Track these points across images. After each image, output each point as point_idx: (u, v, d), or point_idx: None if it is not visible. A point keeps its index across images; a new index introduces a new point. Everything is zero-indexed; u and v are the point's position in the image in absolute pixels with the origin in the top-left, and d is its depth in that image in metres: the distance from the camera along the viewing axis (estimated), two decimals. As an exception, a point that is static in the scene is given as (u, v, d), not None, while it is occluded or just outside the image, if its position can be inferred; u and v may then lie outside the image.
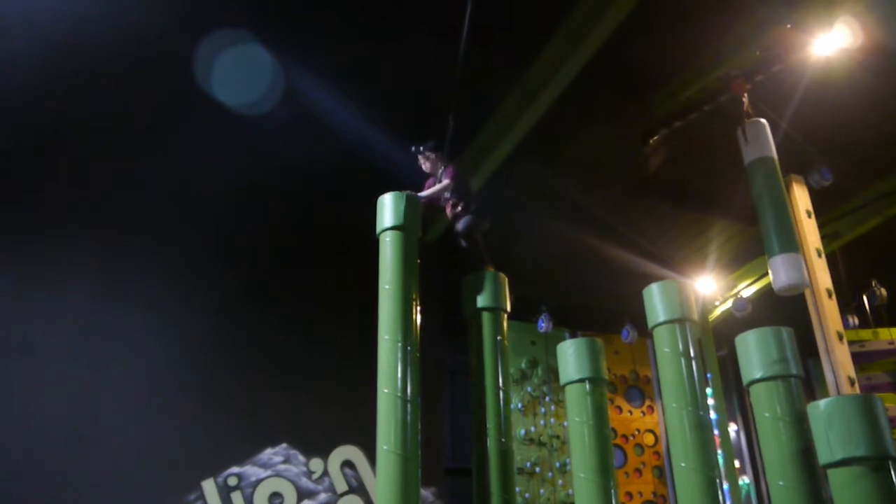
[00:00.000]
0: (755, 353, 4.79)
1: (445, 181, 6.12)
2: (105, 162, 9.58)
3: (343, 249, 10.28)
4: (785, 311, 9.95)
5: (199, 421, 9.17)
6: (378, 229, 5.74)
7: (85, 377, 8.75)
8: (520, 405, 13.01)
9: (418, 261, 5.67)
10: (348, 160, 9.65)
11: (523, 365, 13.43)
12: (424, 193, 6.10)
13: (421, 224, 5.85)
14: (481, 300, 5.95)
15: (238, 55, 8.57)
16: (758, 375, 4.73)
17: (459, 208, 6.15)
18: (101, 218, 9.50)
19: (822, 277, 9.43)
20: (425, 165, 6.35)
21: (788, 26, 7.94)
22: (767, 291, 11.77)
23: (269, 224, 10.48)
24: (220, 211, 10.25)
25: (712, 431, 4.97)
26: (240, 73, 8.79)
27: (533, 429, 12.98)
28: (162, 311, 9.46)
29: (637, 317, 12.84)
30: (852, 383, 9.03)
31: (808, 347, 9.23)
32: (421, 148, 6.33)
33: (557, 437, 13.10)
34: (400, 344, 5.18)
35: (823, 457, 4.20)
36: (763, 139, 8.30)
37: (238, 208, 10.36)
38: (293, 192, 10.52)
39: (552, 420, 13.22)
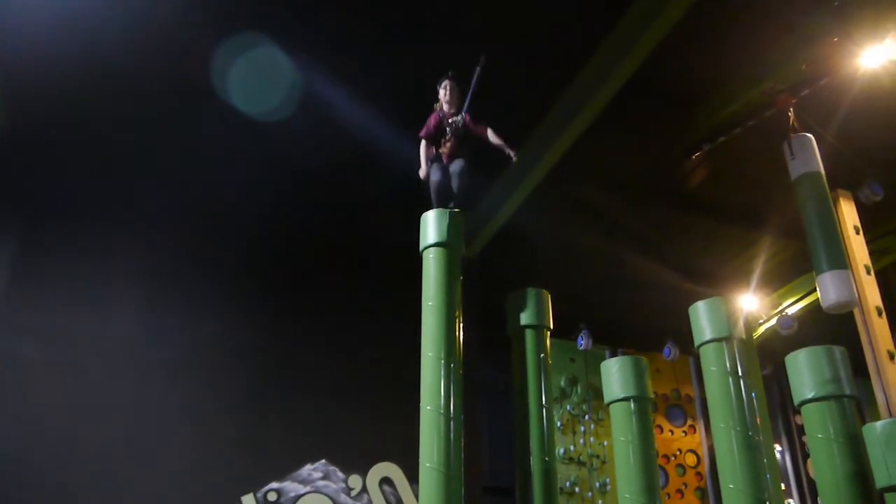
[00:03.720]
0: (807, 373, 4.70)
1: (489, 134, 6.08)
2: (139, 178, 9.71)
3: (386, 264, 10.30)
4: (832, 329, 9.71)
5: (239, 436, 9.20)
6: (422, 246, 5.76)
7: (124, 394, 8.84)
8: (559, 423, 12.87)
9: (461, 277, 5.67)
10: (386, 172, 9.62)
11: (563, 383, 13.30)
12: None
13: (464, 240, 5.85)
14: (524, 317, 5.92)
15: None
16: (810, 395, 4.64)
17: (451, 148, 6.12)
18: (142, 234, 9.64)
19: (872, 295, 9.21)
20: (447, 98, 6.23)
21: (835, 39, 7.80)
22: (813, 309, 11.53)
23: (308, 236, 10.52)
24: (255, 223, 10.33)
25: (762, 453, 4.86)
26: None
27: (572, 448, 12.84)
28: (201, 328, 9.53)
29: (678, 334, 12.73)
30: (904, 404, 8.80)
31: (857, 367, 9.01)
32: (451, 73, 6.22)
33: (597, 456, 12.93)
34: (443, 361, 5.16)
35: (881, 480, 4.10)
36: (809, 154, 8.16)
37: (274, 219, 10.42)
38: (329, 204, 10.56)
39: (592, 439, 13.06)
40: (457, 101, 6.21)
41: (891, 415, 8.74)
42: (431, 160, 6.20)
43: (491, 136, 6.09)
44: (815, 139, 8.24)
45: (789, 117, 8.34)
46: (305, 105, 8.90)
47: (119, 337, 9.08)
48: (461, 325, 5.46)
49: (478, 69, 5.89)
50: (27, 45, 7.91)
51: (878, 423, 4.21)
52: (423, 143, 6.27)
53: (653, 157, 10.12)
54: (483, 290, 10.06)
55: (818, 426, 4.58)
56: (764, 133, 8.88)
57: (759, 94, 8.62)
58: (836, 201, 9.37)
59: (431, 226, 5.74)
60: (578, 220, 11.46)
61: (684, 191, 10.98)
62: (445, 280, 5.53)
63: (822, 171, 8.08)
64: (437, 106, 6.33)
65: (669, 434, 13.83)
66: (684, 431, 13.98)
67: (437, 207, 5.91)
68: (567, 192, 10.77)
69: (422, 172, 6.20)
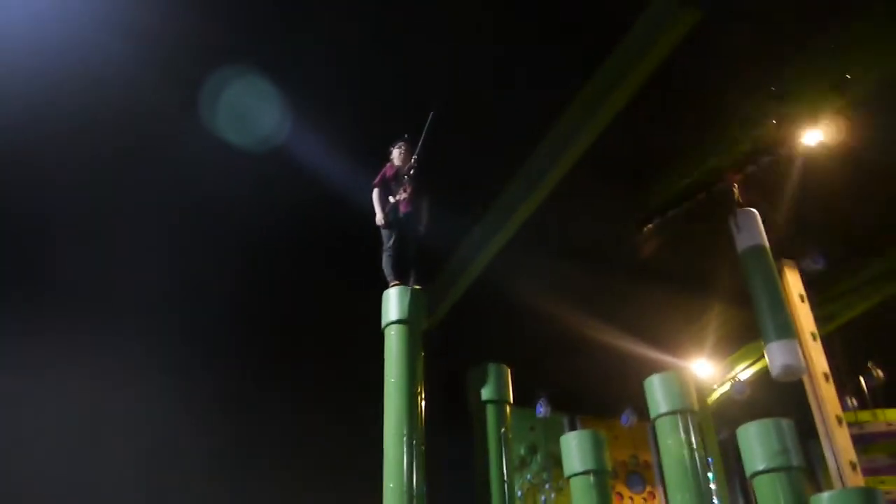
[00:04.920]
0: (757, 445, 4.86)
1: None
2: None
3: (348, 339, 10.31)
4: (784, 392, 10.01)
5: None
6: (383, 323, 5.86)
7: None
8: (519, 493, 12.85)
9: (422, 353, 5.78)
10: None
11: (522, 451, 13.32)
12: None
13: (425, 316, 5.98)
14: (486, 392, 6.03)
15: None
16: (760, 467, 4.79)
17: (410, 194, 6.31)
18: (99, 299, 9.56)
19: (819, 361, 9.52)
20: (399, 158, 6.49)
21: (773, 122, 8.27)
22: (765, 374, 11.83)
23: (272, 312, 10.54)
24: (222, 298, 10.33)
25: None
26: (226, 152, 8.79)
27: (533, 517, 12.81)
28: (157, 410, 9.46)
29: (636, 400, 12.88)
30: (854, 468, 9.04)
31: (808, 429, 9.28)
32: (406, 136, 6.45)
33: (559, 525, 12.90)
34: (405, 438, 5.23)
35: (829, 550, 4.25)
36: (754, 228, 8.55)
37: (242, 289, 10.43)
38: (293, 281, 10.62)
39: (553, 507, 13.04)
40: (406, 159, 6.48)
41: (841, 477, 8.97)
42: (388, 210, 6.36)
43: (424, 209, 6.39)
44: (760, 213, 8.64)
45: (734, 193, 8.74)
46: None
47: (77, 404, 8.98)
48: (423, 401, 5.55)
49: (429, 119, 6.15)
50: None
51: (825, 494, 4.40)
52: (375, 191, 6.45)
53: (606, 230, 10.45)
54: (441, 359, 10.14)
55: (769, 497, 4.72)
56: (712, 207, 9.28)
57: (707, 171, 9.04)
58: (781, 271, 9.74)
59: (393, 303, 5.86)
60: (535, 289, 11.66)
61: (638, 260, 11.29)
62: (407, 357, 5.63)
63: (767, 244, 8.46)
64: (391, 160, 6.57)
65: (630, 501, 13.87)
66: (644, 498, 14.04)
67: (393, 278, 6.10)
68: (525, 261, 11.00)
69: (379, 219, 6.36)
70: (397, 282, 6.07)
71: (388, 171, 6.50)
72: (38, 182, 8.76)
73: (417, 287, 6.00)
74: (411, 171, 6.33)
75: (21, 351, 8.98)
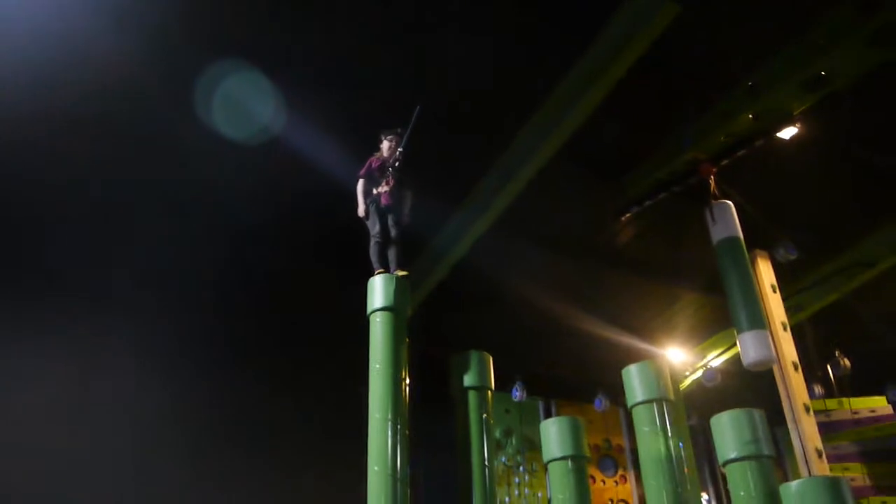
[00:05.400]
0: (729, 434, 5.05)
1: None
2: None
3: (334, 326, 10.39)
4: (754, 380, 10.27)
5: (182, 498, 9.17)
6: (368, 310, 5.97)
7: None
8: (495, 475, 13.03)
9: (407, 340, 5.89)
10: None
11: (498, 434, 13.51)
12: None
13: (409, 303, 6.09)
14: (468, 379, 6.17)
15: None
16: (732, 455, 4.98)
17: (392, 187, 6.44)
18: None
19: (788, 350, 9.75)
20: (387, 150, 6.58)
21: (751, 116, 8.45)
22: (736, 361, 12.08)
23: (257, 297, 10.57)
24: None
25: (690, 507, 5.19)
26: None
27: (507, 499, 13.01)
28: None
29: (609, 386, 13.15)
30: (820, 455, 9.31)
31: (777, 415, 9.54)
32: (399, 130, 6.51)
33: (532, 507, 13.13)
34: (390, 423, 5.36)
35: (796, 534, 4.45)
36: (729, 219, 8.75)
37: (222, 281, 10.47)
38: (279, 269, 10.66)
39: (526, 490, 13.26)
40: (393, 150, 6.56)
41: (807, 464, 9.23)
42: (369, 202, 6.49)
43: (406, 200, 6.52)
44: (734, 205, 8.84)
45: (710, 184, 8.92)
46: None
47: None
48: (407, 386, 5.68)
49: (415, 114, 6.26)
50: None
51: (794, 483, 4.60)
52: (360, 182, 6.56)
53: (584, 219, 10.61)
54: (420, 345, 10.28)
55: (740, 484, 4.93)
56: (688, 198, 9.46)
57: (683, 163, 9.21)
58: (754, 261, 9.95)
59: (378, 290, 5.97)
60: (513, 276, 11.82)
61: (614, 249, 11.50)
62: (392, 343, 5.74)
63: (741, 236, 8.66)
64: (376, 154, 6.65)
65: (602, 484, 14.13)
66: (616, 481, 14.30)
67: (378, 266, 6.22)
68: (503, 249, 11.13)
69: (361, 210, 6.50)
70: (382, 269, 6.18)
71: (373, 162, 6.60)
72: (34, 174, 8.77)
73: (403, 274, 6.11)
74: (396, 164, 6.43)
75: (8, 341, 8.99)
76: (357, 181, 6.58)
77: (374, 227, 6.41)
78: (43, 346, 9.11)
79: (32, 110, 7.88)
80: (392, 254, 6.33)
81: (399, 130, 6.51)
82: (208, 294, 10.26)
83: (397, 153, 6.43)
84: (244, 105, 8.27)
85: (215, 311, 10.30)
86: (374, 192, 6.49)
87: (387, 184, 6.45)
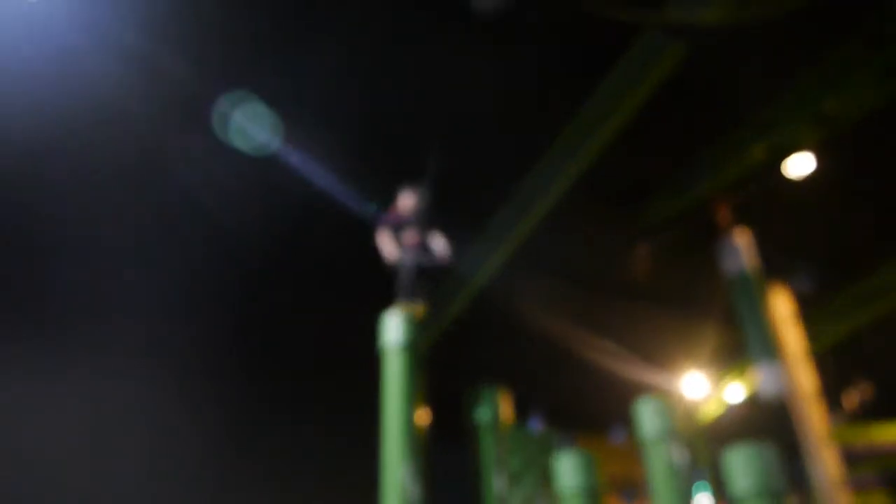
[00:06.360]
0: (742, 469, 5.06)
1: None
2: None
3: (349, 361, 10.43)
4: (774, 410, 10.18)
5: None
6: (383, 345, 6.04)
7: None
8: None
9: (422, 375, 5.96)
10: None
11: (514, 467, 13.42)
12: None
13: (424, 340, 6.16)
14: (484, 413, 6.21)
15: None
16: (745, 492, 4.98)
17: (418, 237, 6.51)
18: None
19: (807, 380, 9.69)
20: (407, 205, 6.67)
21: (762, 149, 8.50)
22: (754, 391, 12.01)
23: (270, 333, 10.67)
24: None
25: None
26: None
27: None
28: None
29: (628, 416, 13.04)
30: (841, 484, 9.19)
31: (796, 446, 9.44)
32: (416, 187, 6.65)
33: (551, 539, 13.00)
34: (406, 459, 5.41)
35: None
36: (742, 252, 8.77)
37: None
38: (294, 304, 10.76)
39: (545, 522, 13.15)
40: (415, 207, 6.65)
41: (829, 494, 9.12)
42: (394, 248, 6.55)
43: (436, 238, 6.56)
44: (748, 237, 8.86)
45: (723, 217, 8.96)
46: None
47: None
48: (422, 421, 5.73)
49: (430, 172, 6.37)
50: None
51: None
52: (382, 231, 6.62)
53: (600, 250, 10.65)
54: (436, 378, 10.30)
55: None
56: (704, 229, 9.48)
57: (696, 197, 9.25)
58: (770, 293, 9.93)
59: (392, 325, 6.04)
60: (530, 308, 11.83)
61: (630, 280, 11.49)
62: (407, 378, 5.81)
63: (755, 268, 8.67)
64: (396, 204, 6.72)
65: (623, 515, 13.98)
66: (637, 512, 14.15)
67: (404, 300, 6.27)
68: (520, 281, 11.18)
69: (392, 257, 6.53)
70: (405, 302, 6.24)
71: (393, 213, 6.67)
72: (42, 191, 8.92)
73: (421, 308, 6.16)
74: (417, 219, 6.52)
75: (24, 358, 9.12)
76: (378, 230, 6.66)
77: (400, 267, 6.48)
78: (52, 386, 9.24)
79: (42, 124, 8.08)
80: (415, 291, 6.40)
81: (416, 187, 6.63)
82: (227, 318, 10.38)
83: (418, 210, 6.53)
84: (249, 126, 8.41)
85: (234, 335, 10.41)
86: (398, 237, 6.59)
87: (408, 235, 6.56)
